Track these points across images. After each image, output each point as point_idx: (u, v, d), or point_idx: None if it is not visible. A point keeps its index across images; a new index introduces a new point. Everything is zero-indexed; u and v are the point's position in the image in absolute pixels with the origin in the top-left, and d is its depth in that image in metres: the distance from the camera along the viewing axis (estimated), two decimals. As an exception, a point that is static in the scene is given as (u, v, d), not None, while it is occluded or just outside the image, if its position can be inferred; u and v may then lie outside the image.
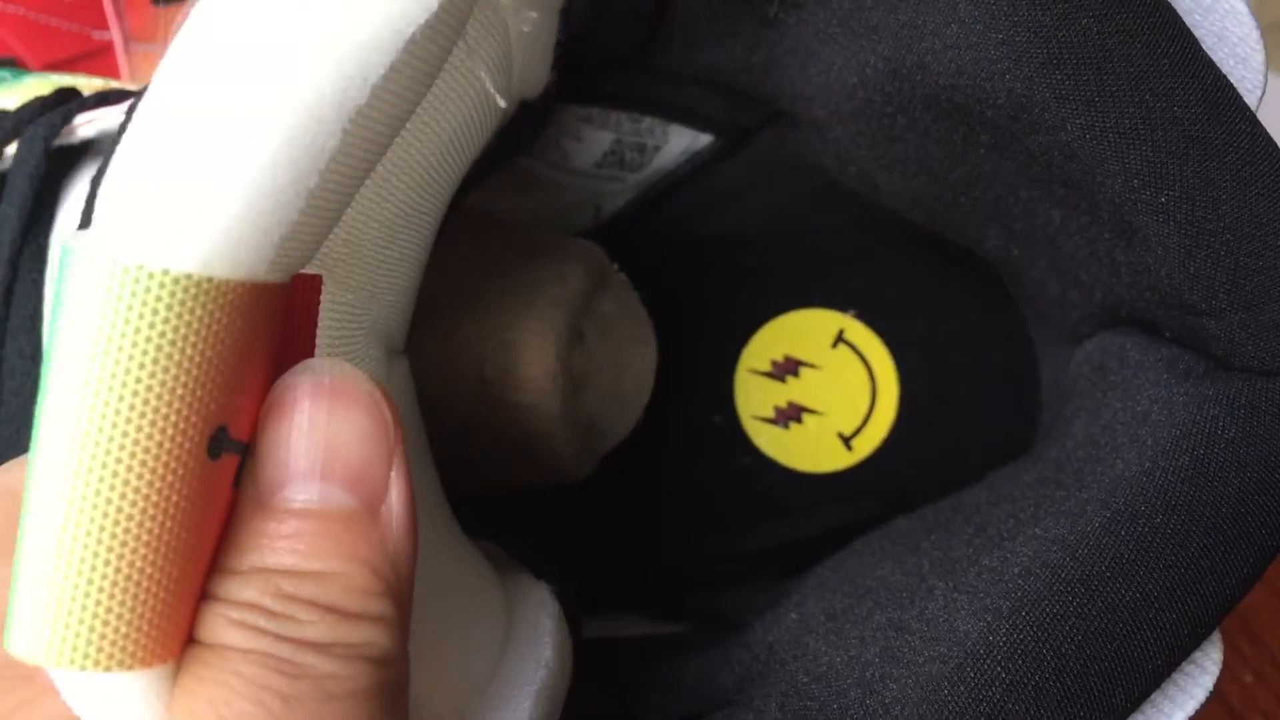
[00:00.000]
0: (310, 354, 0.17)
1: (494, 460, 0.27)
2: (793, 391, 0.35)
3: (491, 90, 0.20)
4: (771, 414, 0.35)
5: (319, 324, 0.18)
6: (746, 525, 0.35)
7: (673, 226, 0.35)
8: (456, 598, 0.22)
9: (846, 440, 0.35)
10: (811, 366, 0.35)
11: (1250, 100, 0.20)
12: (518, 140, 0.25)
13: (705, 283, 0.35)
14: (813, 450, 0.35)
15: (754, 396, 0.35)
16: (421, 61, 0.15)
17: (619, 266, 0.32)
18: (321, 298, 0.18)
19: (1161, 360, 0.23)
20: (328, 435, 0.16)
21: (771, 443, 0.35)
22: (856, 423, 0.35)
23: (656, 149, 0.32)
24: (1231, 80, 0.20)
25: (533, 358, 0.25)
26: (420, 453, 0.23)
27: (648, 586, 0.34)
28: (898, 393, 0.35)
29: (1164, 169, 0.20)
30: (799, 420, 0.35)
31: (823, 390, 0.35)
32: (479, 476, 0.28)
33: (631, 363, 0.28)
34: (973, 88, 0.21)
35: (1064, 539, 0.20)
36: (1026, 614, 0.20)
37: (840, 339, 0.35)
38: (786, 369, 0.35)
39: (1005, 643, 0.19)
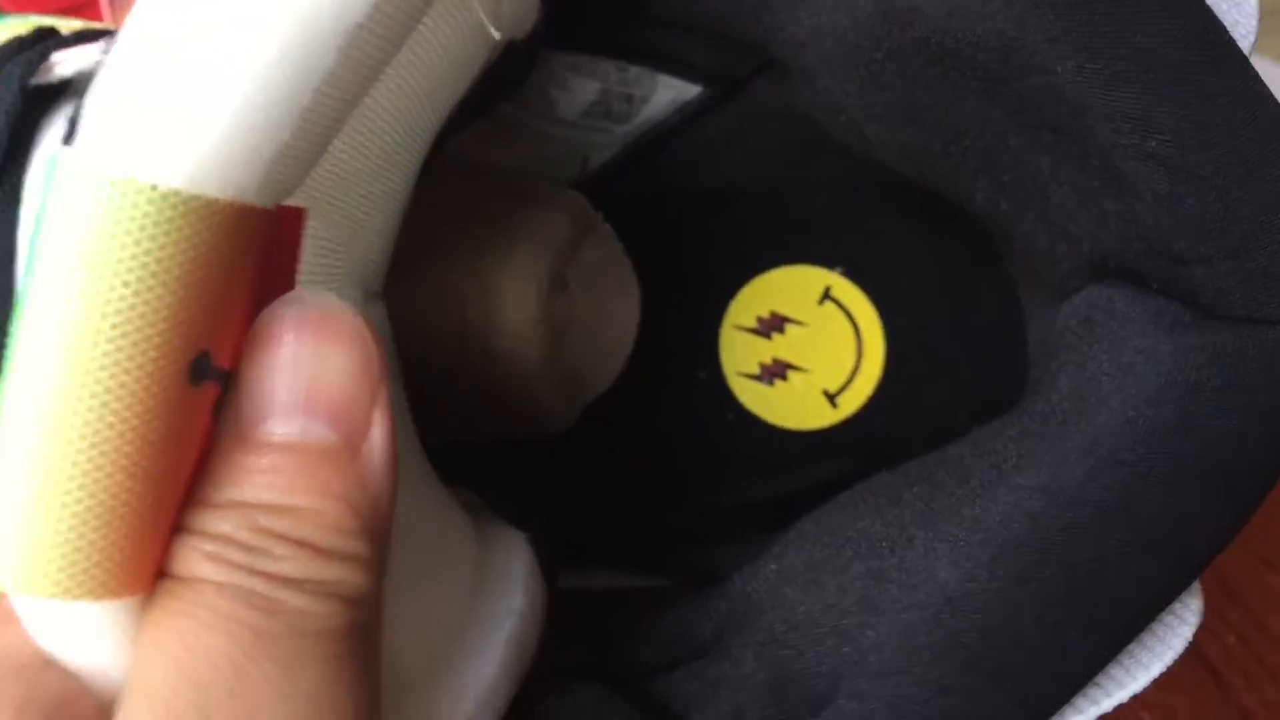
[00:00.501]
0: (290, 289, 0.17)
1: (472, 408, 0.27)
2: (778, 348, 0.35)
3: (483, 18, 0.20)
4: (756, 370, 0.34)
5: (300, 259, 0.17)
6: (730, 481, 0.34)
7: (660, 178, 0.35)
8: (427, 544, 0.21)
9: (831, 397, 0.34)
10: (797, 323, 0.35)
11: (1244, 45, 0.20)
12: (503, 83, 0.25)
13: (692, 236, 0.35)
14: (798, 407, 0.34)
15: (739, 352, 0.34)
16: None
17: (605, 218, 0.32)
18: (304, 232, 0.18)
19: (1148, 311, 0.23)
20: (312, 369, 0.16)
21: (756, 399, 0.34)
22: (842, 380, 0.35)
23: (644, 99, 0.31)
24: (1225, 24, 0.20)
25: (514, 303, 0.25)
26: (396, 399, 0.23)
27: (630, 542, 0.34)
28: (884, 350, 0.35)
29: (1153, 113, 0.20)
30: (784, 377, 0.34)
31: (808, 347, 0.34)
32: (457, 424, 0.28)
33: (614, 312, 0.28)
34: (964, 30, 0.21)
35: (1045, 487, 0.20)
36: (1005, 561, 0.20)
37: (827, 296, 0.35)
38: (772, 325, 0.35)
39: (983, 590, 0.19)
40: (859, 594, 0.21)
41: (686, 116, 0.32)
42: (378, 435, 0.16)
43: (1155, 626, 0.20)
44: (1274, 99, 0.20)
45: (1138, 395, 0.21)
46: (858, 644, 0.20)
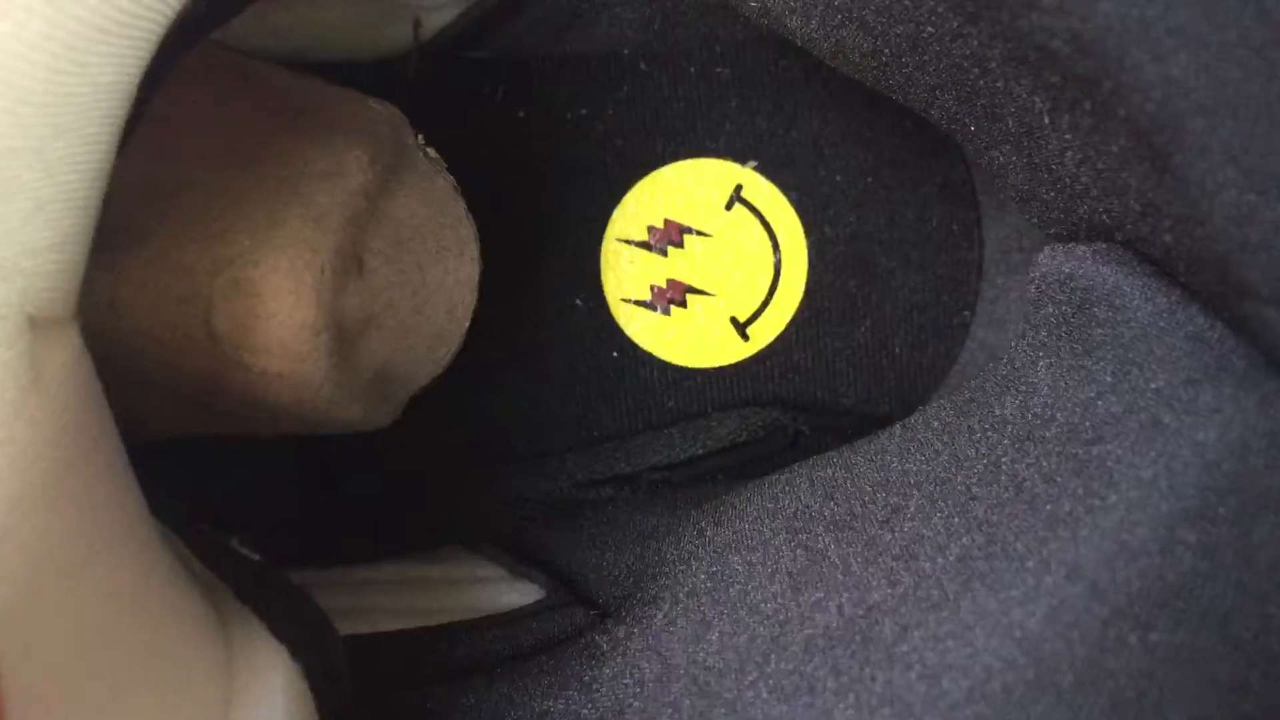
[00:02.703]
0: None
1: (245, 421, 0.19)
2: (675, 267, 0.27)
3: None
4: (648, 295, 0.27)
5: None
6: (615, 433, 0.28)
7: (520, 45, 0.26)
8: (155, 669, 0.15)
9: (741, 327, 0.28)
10: (700, 234, 0.27)
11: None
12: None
13: (564, 120, 0.27)
14: (699, 340, 0.27)
15: (625, 273, 0.27)
16: None
17: (445, 103, 0.23)
18: None
19: (1180, 332, 0.16)
20: None
21: (647, 331, 0.27)
22: (755, 305, 0.27)
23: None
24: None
25: (279, 308, 0.17)
26: (104, 467, 0.16)
27: (490, 518, 0.27)
28: (806, 266, 0.28)
29: (1226, 89, 0.13)
30: (682, 303, 0.27)
31: (713, 264, 0.27)
32: (228, 429, 0.20)
33: (439, 283, 0.20)
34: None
35: (1033, 645, 0.14)
36: None
37: (737, 198, 0.27)
38: (668, 238, 0.27)
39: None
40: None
41: (547, -29, 0.23)
42: None
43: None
44: None
45: (1171, 497, 0.14)
46: None
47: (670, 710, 0.17)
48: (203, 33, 0.16)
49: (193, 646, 0.16)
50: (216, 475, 0.25)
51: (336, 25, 0.25)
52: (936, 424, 0.21)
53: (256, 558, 0.18)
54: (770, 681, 0.16)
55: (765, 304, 0.28)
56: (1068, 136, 0.17)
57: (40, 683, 0.14)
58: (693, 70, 0.27)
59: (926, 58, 0.18)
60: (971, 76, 0.18)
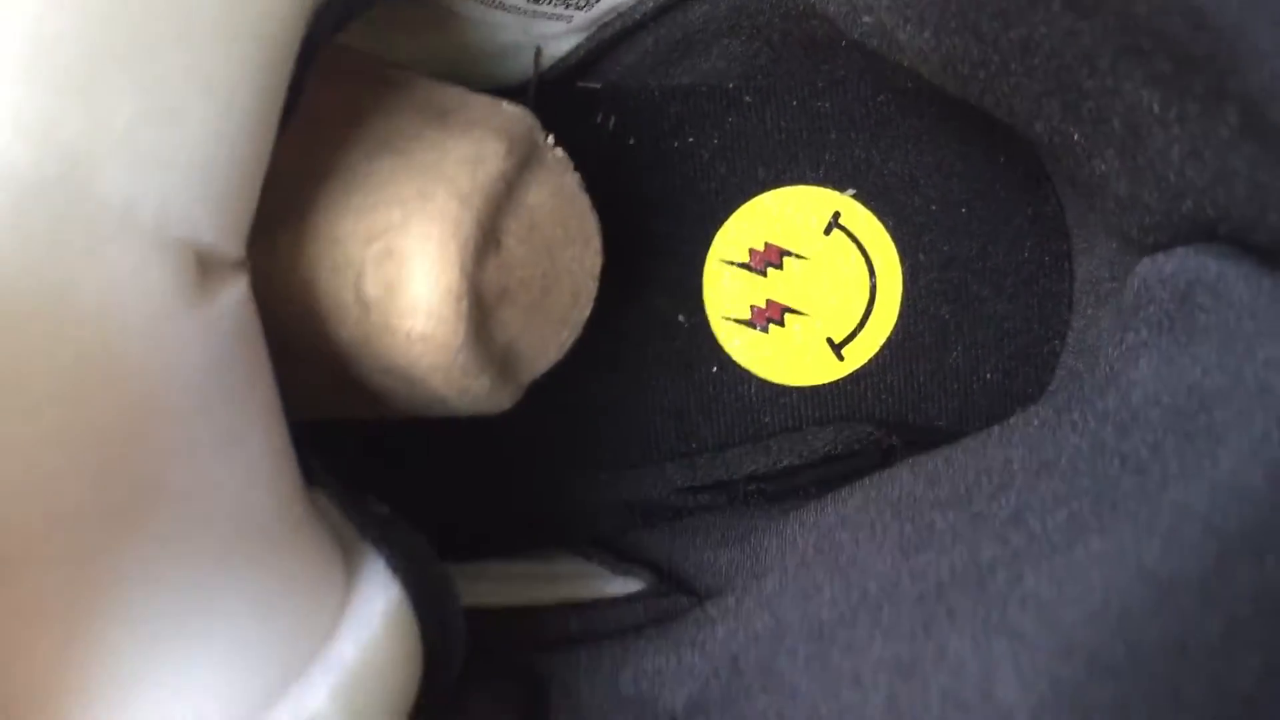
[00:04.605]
0: None
1: (380, 394, 0.21)
2: (774, 288, 0.28)
3: None
4: (748, 314, 0.28)
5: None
6: (714, 446, 0.29)
7: (631, 78, 0.28)
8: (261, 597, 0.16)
9: (837, 348, 0.29)
10: (798, 257, 0.28)
11: None
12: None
13: (671, 148, 0.28)
14: (796, 359, 0.29)
15: (727, 292, 0.28)
16: None
17: (560, 129, 0.25)
18: None
19: (1287, 307, 0.17)
20: None
21: (746, 348, 0.28)
22: (850, 327, 0.28)
23: (610, -21, 0.24)
24: None
25: (428, 273, 0.18)
26: (259, 419, 0.17)
27: (591, 520, 0.28)
28: (901, 290, 0.29)
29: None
30: (780, 322, 0.28)
31: (811, 287, 0.28)
32: (360, 409, 0.22)
33: (566, 269, 0.21)
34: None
35: (1153, 574, 0.15)
36: (1099, 689, 0.14)
37: (835, 224, 0.28)
38: (768, 260, 0.28)
39: (1067, 732, 0.14)
40: (884, 694, 0.16)
41: (663, 3, 0.25)
42: None
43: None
44: None
45: (1280, 440, 0.15)
46: (882, 780, 0.15)
47: (786, 655, 0.18)
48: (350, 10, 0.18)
49: (316, 568, 0.17)
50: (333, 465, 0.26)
51: (462, 55, 0.27)
52: (1036, 421, 0.22)
53: (385, 509, 0.19)
54: (884, 626, 0.17)
55: (860, 326, 0.29)
56: (1175, 130, 0.18)
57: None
58: (795, 103, 0.29)
59: (1036, 61, 0.19)
60: (1080, 78, 0.19)
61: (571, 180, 0.22)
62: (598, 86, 0.28)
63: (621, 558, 0.27)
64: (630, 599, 0.24)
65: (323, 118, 0.20)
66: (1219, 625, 0.14)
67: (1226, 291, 0.18)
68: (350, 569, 0.18)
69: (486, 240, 0.19)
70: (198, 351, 0.16)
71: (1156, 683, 0.14)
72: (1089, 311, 0.29)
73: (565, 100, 0.28)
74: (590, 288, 0.22)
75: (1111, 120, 0.19)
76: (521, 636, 0.22)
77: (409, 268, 0.19)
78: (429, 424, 0.25)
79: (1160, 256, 0.21)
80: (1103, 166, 0.21)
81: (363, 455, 0.27)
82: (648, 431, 0.29)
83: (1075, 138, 0.21)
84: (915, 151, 0.29)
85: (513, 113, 0.21)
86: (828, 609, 0.18)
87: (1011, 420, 0.22)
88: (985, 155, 0.29)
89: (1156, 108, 0.17)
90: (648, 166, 0.28)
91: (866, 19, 0.21)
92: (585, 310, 0.22)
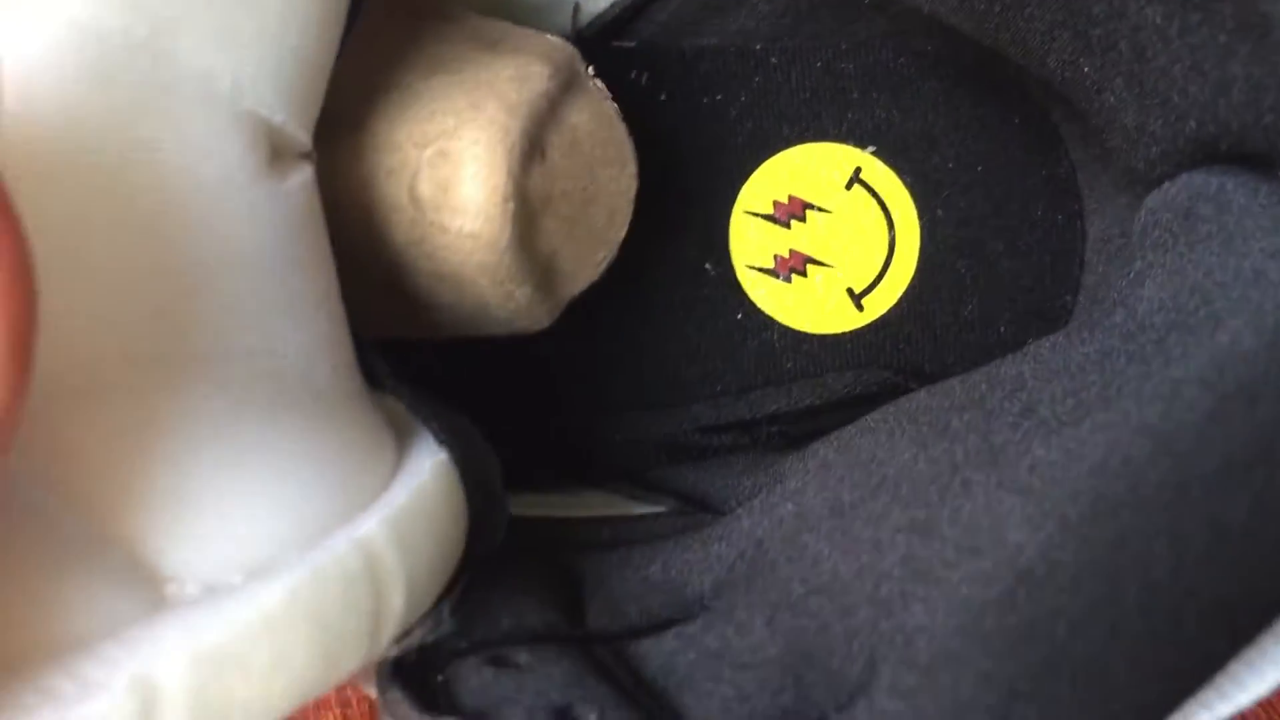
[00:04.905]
0: None
1: (425, 302, 0.22)
2: (797, 239, 0.30)
3: None
4: (771, 263, 0.30)
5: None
6: (737, 389, 0.30)
7: (663, 34, 0.29)
8: (316, 450, 0.17)
9: (857, 298, 0.30)
10: (820, 210, 0.30)
11: None
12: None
13: (700, 105, 0.30)
14: (817, 307, 0.30)
15: (752, 242, 0.30)
16: None
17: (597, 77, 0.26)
18: None
19: (1279, 204, 0.18)
20: None
21: (770, 296, 0.30)
22: (870, 278, 0.30)
23: (648, -66, 0.26)
24: None
25: (477, 173, 0.20)
26: (321, 292, 0.18)
27: (618, 456, 0.29)
28: (919, 244, 0.30)
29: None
30: (803, 272, 0.30)
31: (832, 238, 0.30)
32: (407, 321, 0.23)
33: (604, 188, 0.23)
34: None
35: (1153, 428, 0.16)
36: (1103, 525, 0.15)
37: (856, 179, 0.30)
38: (791, 212, 0.30)
39: (1074, 562, 0.15)
40: (901, 552, 0.17)
41: (697, -43, 0.26)
42: None
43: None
44: None
45: (1275, 312, 0.16)
46: (900, 621, 0.16)
47: (808, 531, 0.19)
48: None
49: (371, 434, 0.18)
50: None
51: (505, 10, 0.28)
52: (1048, 344, 0.23)
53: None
54: (903, 499, 0.18)
55: (880, 277, 0.30)
56: (1176, 44, 0.19)
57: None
58: (819, 64, 0.30)
59: (1048, -12, 0.21)
60: (1089, 3, 0.20)
61: (609, 108, 0.23)
62: (631, 45, 0.30)
63: (647, 489, 0.28)
64: (658, 515, 0.25)
65: (382, 43, 0.22)
66: (1214, 464, 0.15)
67: (1225, 200, 0.19)
68: (404, 444, 0.19)
69: (532, 149, 0.21)
70: (266, 220, 0.17)
71: (1156, 518, 0.15)
72: (1100, 269, 0.31)
73: (601, 58, 0.29)
74: (625, 209, 0.23)
75: (1119, 45, 0.20)
76: (557, 540, 0.23)
77: (460, 169, 0.20)
78: (460, 357, 0.26)
79: (1166, 184, 0.22)
80: (1111, 99, 0.22)
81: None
82: (674, 373, 0.30)
83: (1085, 69, 0.22)
84: (934, 112, 0.30)
85: (556, 42, 0.23)
86: (849, 492, 0.19)
87: (1025, 347, 0.23)
88: (1001, 117, 0.30)
89: (1159, 20, 0.18)
90: (678, 122, 0.30)
91: (889, -44, 0.22)
92: (621, 231, 0.23)
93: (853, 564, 0.17)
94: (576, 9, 0.29)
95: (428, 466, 0.18)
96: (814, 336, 0.30)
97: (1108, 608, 0.14)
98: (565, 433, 0.29)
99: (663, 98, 0.30)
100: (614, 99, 0.26)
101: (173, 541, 0.15)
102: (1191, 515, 0.15)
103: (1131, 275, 0.22)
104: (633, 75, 0.30)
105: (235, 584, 0.15)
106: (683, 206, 0.30)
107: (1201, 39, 0.18)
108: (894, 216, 0.30)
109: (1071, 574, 0.15)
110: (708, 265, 0.30)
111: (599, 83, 0.23)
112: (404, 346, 0.25)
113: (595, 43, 0.29)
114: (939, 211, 0.30)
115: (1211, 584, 0.15)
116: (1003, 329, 0.30)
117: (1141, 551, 0.15)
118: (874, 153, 0.30)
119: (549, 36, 0.23)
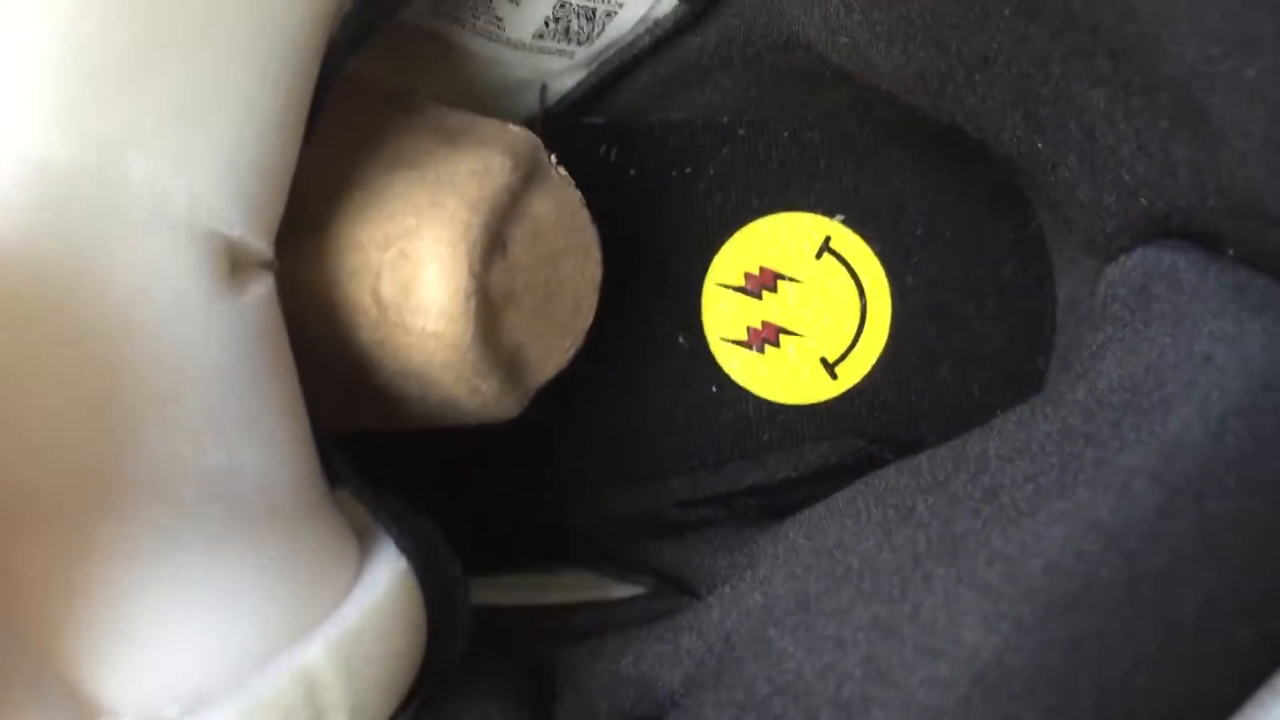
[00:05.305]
0: None
1: (395, 398, 0.22)
2: (769, 310, 0.30)
3: None
4: (744, 335, 0.30)
5: None
6: (714, 463, 0.30)
7: (630, 111, 0.30)
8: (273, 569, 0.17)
9: (830, 367, 0.30)
10: (792, 280, 0.30)
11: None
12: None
13: (669, 178, 0.30)
14: (792, 377, 0.30)
15: (724, 315, 0.30)
16: None
17: (565, 162, 0.27)
18: None
19: (1226, 286, 0.18)
20: None
21: (744, 368, 0.30)
22: (843, 347, 0.30)
23: (609, 16, 0.26)
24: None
25: (439, 273, 0.20)
26: (282, 404, 0.18)
27: (596, 534, 0.29)
28: (890, 311, 0.30)
29: (1254, 32, 0.15)
30: (776, 343, 0.30)
31: (804, 308, 0.30)
32: (377, 416, 0.23)
33: (568, 278, 0.23)
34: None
35: (1103, 524, 0.16)
36: (1057, 625, 0.15)
37: (826, 248, 0.30)
38: (763, 283, 0.30)
39: (1028, 665, 0.15)
40: (863, 653, 0.17)
41: (659, 37, 0.27)
42: None
43: (1248, 706, 0.16)
44: None
45: (1220, 401, 0.16)
46: (861, 724, 0.16)
47: (774, 626, 0.19)
48: (363, 34, 0.20)
49: (329, 546, 0.19)
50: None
51: (473, 93, 0.28)
52: (1014, 418, 0.23)
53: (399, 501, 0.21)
54: (865, 594, 0.18)
55: (852, 346, 0.30)
56: (1122, 127, 0.19)
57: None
58: (786, 135, 0.30)
59: (996, 70, 0.21)
60: (1037, 85, 0.20)
61: (573, 195, 0.23)
62: (600, 121, 0.30)
63: (625, 567, 0.28)
64: (634, 600, 0.25)
65: (344, 137, 0.22)
66: (1163, 562, 0.15)
67: (1177, 279, 0.19)
68: (365, 553, 0.19)
69: (494, 245, 0.21)
70: (224, 337, 0.17)
71: (1109, 617, 0.15)
72: (1070, 330, 0.31)
73: (570, 134, 0.30)
74: (591, 297, 0.24)
75: (1068, 125, 0.20)
76: (530, 631, 0.23)
77: (422, 269, 0.20)
78: (437, 444, 0.26)
79: (1122, 258, 0.22)
80: (1066, 174, 0.22)
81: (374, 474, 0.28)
82: (650, 449, 0.30)
83: (1039, 146, 0.22)
84: (901, 179, 0.30)
85: (518, 133, 0.23)
86: (814, 583, 0.19)
87: (994, 421, 0.23)
88: (967, 182, 0.30)
89: (1103, 104, 0.19)
90: (648, 196, 0.30)
91: (843, 39, 0.22)
92: (587, 319, 0.24)
93: (816, 663, 0.17)
94: (544, 88, 0.29)
95: (386, 579, 0.18)
96: (789, 407, 0.30)
97: (1061, 709, 0.14)
98: (545, 512, 0.29)
99: (632, 172, 0.30)
100: (583, 174, 0.26)
101: (110, 672, 0.15)
102: (1143, 614, 0.15)
103: (1094, 348, 0.22)
104: (602, 150, 0.30)
105: (170, 718, 0.15)
106: (654, 280, 0.30)
107: (1144, 123, 0.18)
108: (865, 284, 0.30)
109: (1025, 679, 0.15)
110: (681, 339, 0.30)
111: (562, 170, 0.23)
112: (373, 437, 0.25)
113: (564, 119, 0.30)
114: (909, 278, 0.30)
115: (1165, 684, 0.15)
116: (977, 393, 0.30)
117: (1095, 654, 0.15)
118: (843, 221, 0.30)
119: (511, 127, 0.23)
